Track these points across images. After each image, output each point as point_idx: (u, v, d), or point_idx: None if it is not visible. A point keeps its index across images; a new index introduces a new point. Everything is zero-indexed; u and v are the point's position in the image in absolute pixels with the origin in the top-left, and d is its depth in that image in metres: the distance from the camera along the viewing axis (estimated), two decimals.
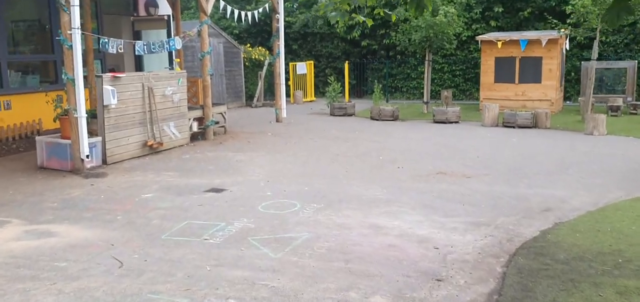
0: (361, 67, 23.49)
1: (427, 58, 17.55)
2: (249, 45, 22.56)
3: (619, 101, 15.88)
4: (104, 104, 9.18)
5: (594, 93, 14.76)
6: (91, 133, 9.10)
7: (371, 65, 23.45)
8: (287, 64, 18.76)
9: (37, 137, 9.42)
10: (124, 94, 9.56)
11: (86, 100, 9.36)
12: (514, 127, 13.91)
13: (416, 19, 16.62)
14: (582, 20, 14.27)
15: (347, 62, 21.36)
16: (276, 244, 5.40)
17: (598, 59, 14.70)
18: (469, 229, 5.91)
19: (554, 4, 19.21)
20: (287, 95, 17.76)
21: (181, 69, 12.41)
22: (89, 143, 8.79)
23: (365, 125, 14.61)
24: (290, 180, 8.25)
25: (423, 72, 19.53)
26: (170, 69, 14.01)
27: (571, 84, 19.85)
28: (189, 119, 11.45)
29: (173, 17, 13.84)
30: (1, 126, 10.88)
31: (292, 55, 23.85)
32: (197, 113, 11.83)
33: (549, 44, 16.16)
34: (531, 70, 16.57)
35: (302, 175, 8.66)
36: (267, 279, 4.55)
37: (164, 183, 8.07)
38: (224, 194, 7.42)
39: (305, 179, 8.36)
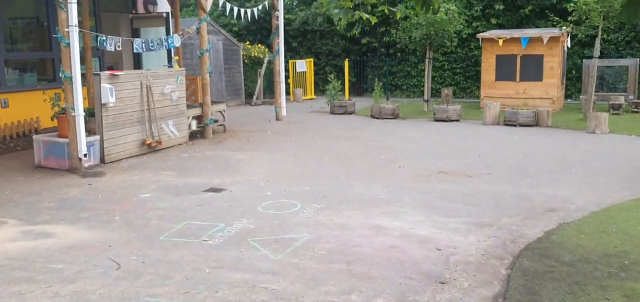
0: (361, 65, 23.39)
1: (427, 56, 17.45)
2: (248, 42, 22.46)
3: (620, 99, 15.79)
4: (102, 102, 9.09)
5: (595, 91, 14.67)
6: (89, 132, 9.01)
7: (371, 63, 23.35)
8: (286, 62, 18.67)
9: (34, 136, 9.33)
10: (122, 92, 9.47)
11: (84, 98, 9.26)
12: (515, 125, 13.82)
13: (417, 16, 16.54)
14: (584, 17, 14.17)
15: (347, 59, 21.25)
16: (276, 246, 5.31)
17: (599, 57, 14.60)
18: (472, 229, 5.83)
19: (555, 1, 19.10)
20: (287, 93, 17.67)
21: (180, 66, 12.33)
22: (86, 142, 8.71)
23: (366, 124, 14.53)
24: (290, 179, 8.17)
25: (423, 70, 19.44)
26: (169, 66, 13.94)
27: (572, 82, 19.76)
28: (188, 118, 11.36)
29: (172, 14, 13.75)
30: None
31: (292, 52, 23.75)
32: (196, 111, 11.74)
33: (551, 42, 16.07)
34: (532, 68, 16.48)
35: (303, 174, 8.57)
36: (267, 281, 4.46)
37: (163, 183, 7.99)
38: (224, 193, 7.33)
39: (305, 178, 8.28)
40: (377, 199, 7.02)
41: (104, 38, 9.37)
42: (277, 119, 14.75)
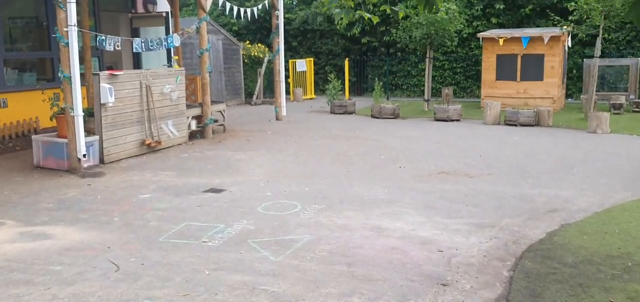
0: (361, 65, 23.34)
1: (428, 55, 17.41)
2: (248, 42, 22.41)
3: (621, 99, 15.74)
4: (101, 102, 9.04)
5: (596, 91, 14.62)
6: (88, 132, 8.97)
7: (371, 63, 23.30)
8: (286, 61, 18.61)
9: (33, 136, 9.29)
10: (121, 92, 9.42)
11: (83, 98, 9.22)
12: (516, 125, 13.78)
13: (417, 16, 16.50)
14: (585, 17, 14.12)
15: (347, 59, 21.21)
16: (277, 247, 5.27)
17: (600, 57, 14.55)
18: (473, 230, 5.79)
19: (555, 0, 19.06)
20: (287, 92, 17.62)
21: (180, 66, 12.29)
22: (85, 142, 8.66)
23: (366, 124, 14.48)
24: (290, 180, 8.13)
25: (424, 70, 19.41)
26: (168, 66, 13.89)
27: (573, 82, 19.72)
28: (188, 117, 11.31)
29: (172, 14, 13.70)
30: None
31: (292, 52, 23.70)
32: (196, 111, 11.70)
33: (551, 41, 16.03)
34: (533, 68, 16.43)
35: (303, 175, 8.53)
36: (268, 283, 4.42)
37: (162, 183, 7.94)
38: (223, 194, 7.29)
39: (305, 178, 8.23)
40: (377, 200, 6.98)
41: (103, 38, 9.33)
42: (277, 118, 14.71)
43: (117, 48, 9.56)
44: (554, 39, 15.97)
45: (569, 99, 19.37)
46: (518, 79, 16.71)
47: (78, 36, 8.58)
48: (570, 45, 17.72)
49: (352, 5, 4.44)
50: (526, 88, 16.59)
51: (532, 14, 19.96)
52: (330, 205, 6.72)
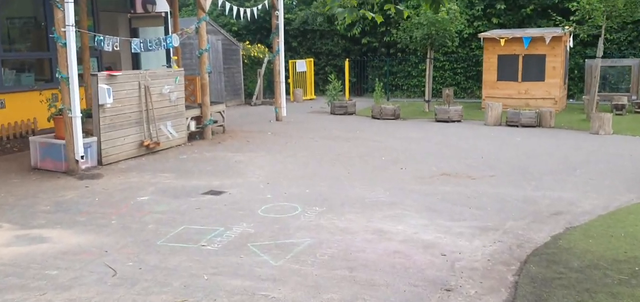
0: (361, 65, 23.25)
1: (428, 56, 17.32)
2: (248, 42, 22.32)
3: (623, 100, 15.65)
4: (100, 103, 8.95)
5: (598, 91, 14.53)
6: (86, 133, 8.87)
7: (372, 63, 23.22)
8: (286, 62, 18.52)
9: (30, 137, 9.19)
10: (120, 92, 9.33)
11: (81, 99, 9.11)
12: (517, 126, 13.69)
13: (418, 16, 16.42)
14: (587, 17, 14.04)
15: (347, 59, 21.12)
16: (277, 251, 5.18)
17: (602, 57, 14.47)
18: (477, 234, 5.70)
19: (557, 0, 18.97)
20: (287, 93, 17.52)
21: (179, 66, 12.19)
22: (83, 143, 8.56)
23: (366, 124, 14.39)
24: (290, 182, 8.03)
25: (424, 70, 19.31)
26: (167, 66, 13.79)
27: (574, 82, 19.63)
28: (187, 118, 11.22)
29: (171, 14, 13.61)
30: None
31: (292, 52, 23.62)
32: (195, 112, 11.61)
33: (553, 42, 15.94)
34: (534, 68, 16.34)
35: (303, 176, 8.44)
36: (268, 289, 4.33)
37: (161, 185, 7.85)
38: (223, 196, 7.20)
39: (306, 180, 8.14)
40: (379, 202, 6.89)
41: (102, 38, 9.24)
42: (277, 119, 14.62)
43: (115, 48, 9.47)
44: (555, 39, 15.88)
45: (571, 100, 19.28)
46: (519, 79, 16.61)
47: (76, 36, 8.50)
48: (571, 46, 17.63)
49: (355, 4, 4.34)
50: (527, 89, 16.50)
51: (534, 14, 19.88)
52: (331, 207, 6.63)
